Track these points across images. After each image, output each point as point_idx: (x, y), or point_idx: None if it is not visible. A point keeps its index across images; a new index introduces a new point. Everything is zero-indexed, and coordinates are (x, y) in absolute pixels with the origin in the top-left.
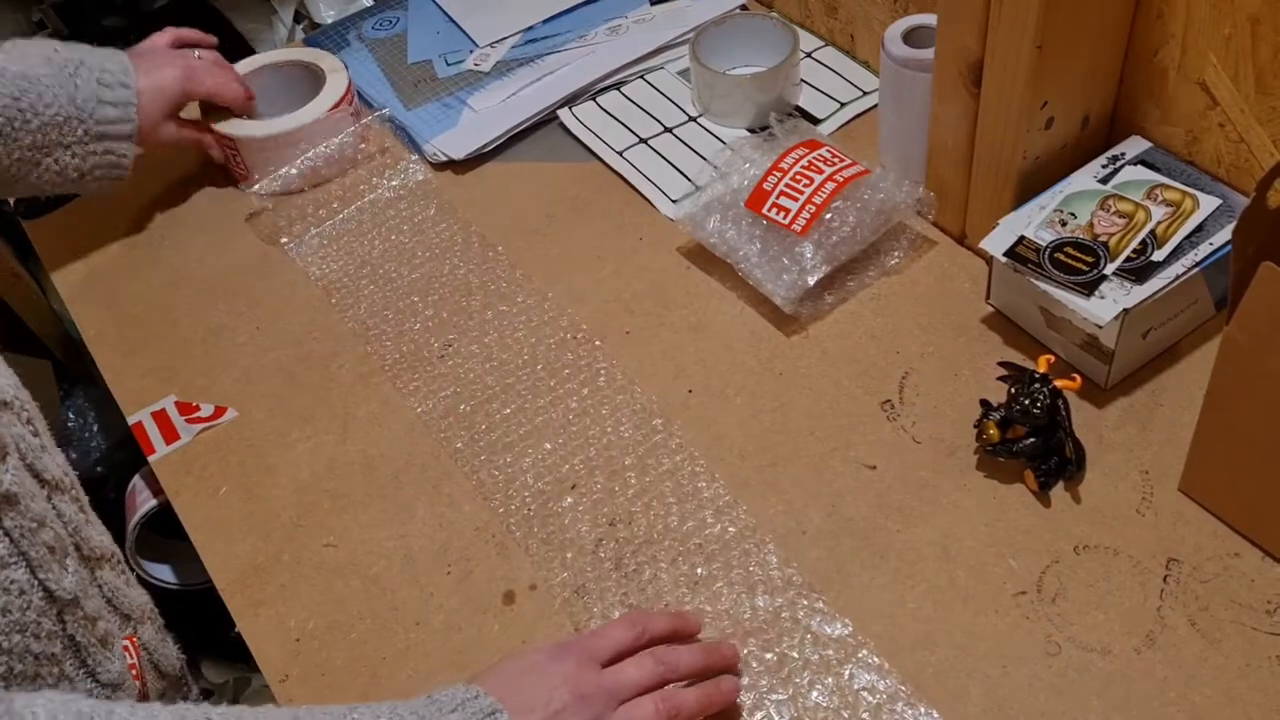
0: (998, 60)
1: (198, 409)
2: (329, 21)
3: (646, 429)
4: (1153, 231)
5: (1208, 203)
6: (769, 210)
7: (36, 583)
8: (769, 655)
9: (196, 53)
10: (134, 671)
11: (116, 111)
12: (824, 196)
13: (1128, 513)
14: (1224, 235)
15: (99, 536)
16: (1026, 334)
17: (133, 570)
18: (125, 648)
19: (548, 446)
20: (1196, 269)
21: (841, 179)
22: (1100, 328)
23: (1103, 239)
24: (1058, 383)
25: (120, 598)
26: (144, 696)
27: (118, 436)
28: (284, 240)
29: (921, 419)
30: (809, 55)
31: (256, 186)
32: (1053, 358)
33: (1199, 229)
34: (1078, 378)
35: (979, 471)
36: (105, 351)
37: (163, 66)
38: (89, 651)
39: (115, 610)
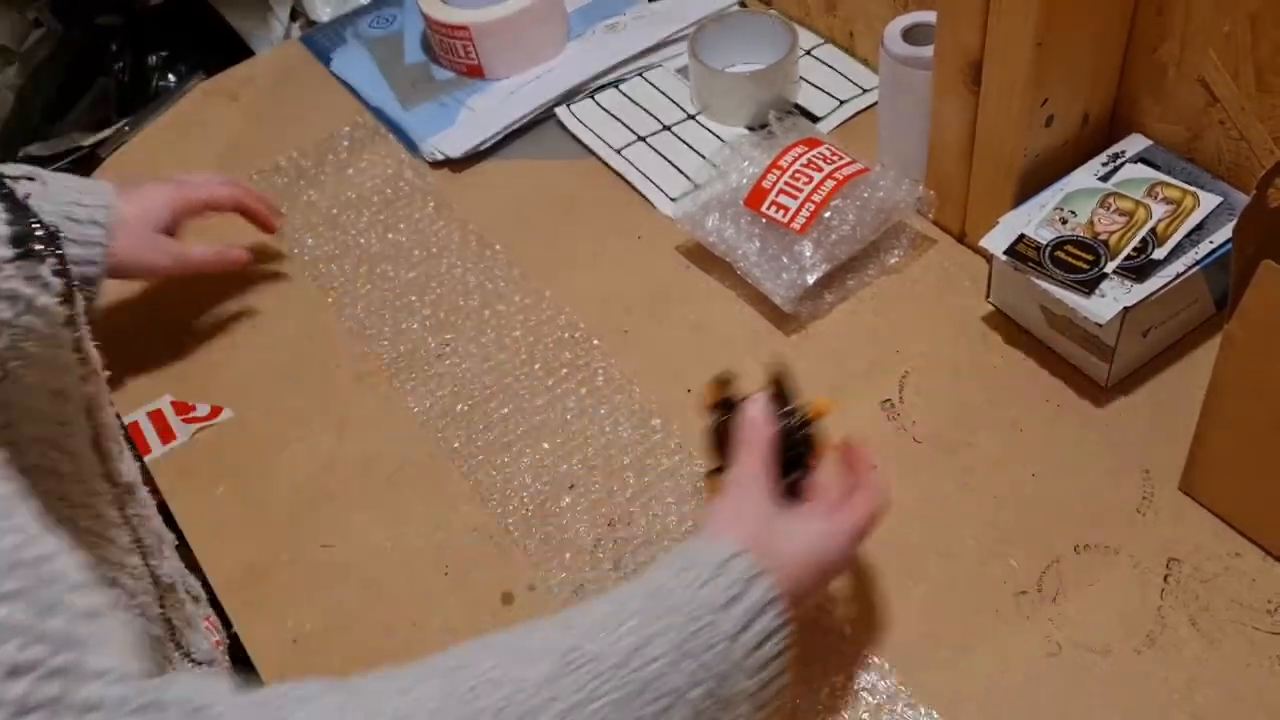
0: (997, 58)
1: (194, 409)
2: (325, 19)
3: (645, 428)
4: (1153, 229)
5: (1208, 201)
6: (768, 208)
7: (147, 569)
8: None
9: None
10: (219, 647)
11: (81, 251)
12: (823, 195)
13: (1128, 512)
14: (1224, 233)
15: (161, 527)
16: (1027, 333)
17: None
18: (206, 625)
19: (545, 446)
20: (1197, 267)
21: (841, 177)
22: (1100, 326)
23: (1103, 237)
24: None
25: (189, 581)
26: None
27: None
28: (281, 237)
29: (921, 418)
30: (808, 53)
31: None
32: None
33: (1199, 227)
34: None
35: (979, 470)
36: (101, 351)
37: (149, 191)
38: (183, 633)
39: (189, 593)
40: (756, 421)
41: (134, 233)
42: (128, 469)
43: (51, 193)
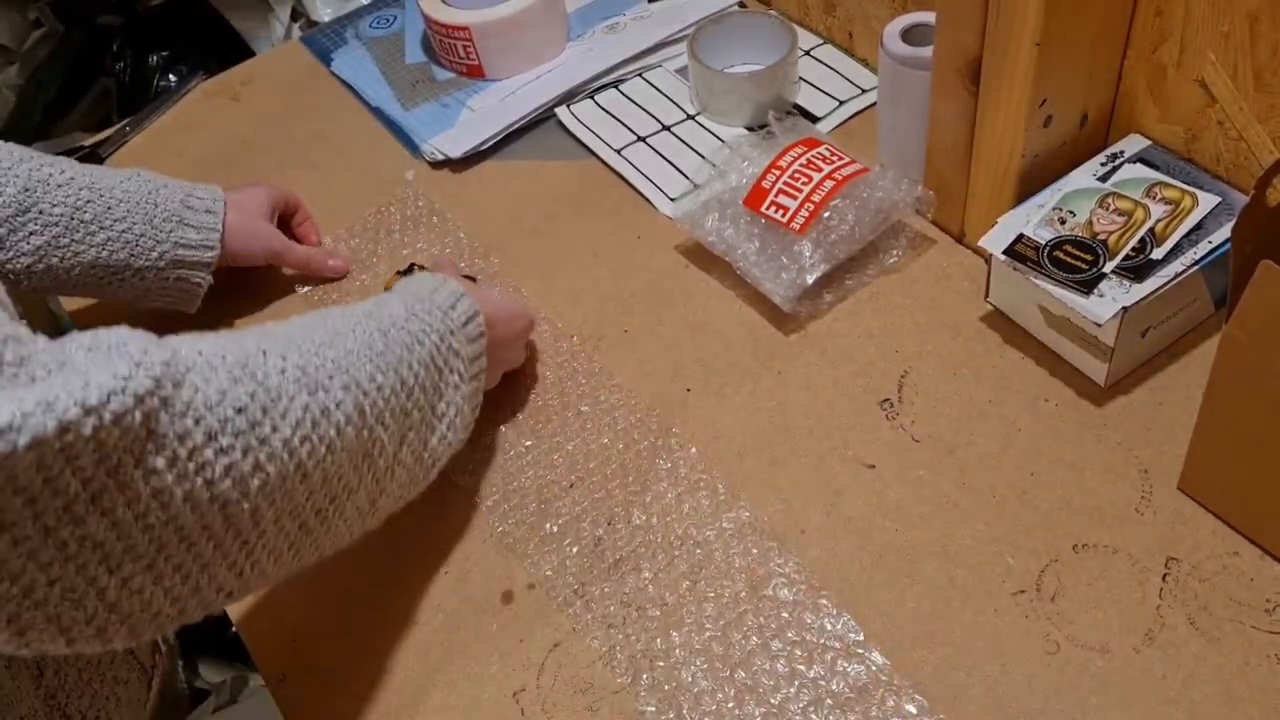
0: (996, 58)
1: None
2: (326, 19)
3: (644, 427)
4: (1152, 229)
5: (1207, 201)
6: (767, 208)
7: None
8: (770, 651)
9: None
10: None
11: (198, 236)
12: (823, 195)
13: (1127, 511)
14: (1223, 233)
15: None
16: (1025, 332)
17: None
18: None
19: (546, 445)
20: (1195, 267)
21: (840, 177)
22: (1099, 326)
23: (1101, 237)
24: None
25: None
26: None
27: None
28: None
29: (920, 418)
30: (807, 53)
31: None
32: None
33: (1198, 227)
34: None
35: (978, 470)
36: None
37: (249, 188)
38: None
39: None
40: (440, 260)
41: (238, 223)
42: None
43: (173, 183)
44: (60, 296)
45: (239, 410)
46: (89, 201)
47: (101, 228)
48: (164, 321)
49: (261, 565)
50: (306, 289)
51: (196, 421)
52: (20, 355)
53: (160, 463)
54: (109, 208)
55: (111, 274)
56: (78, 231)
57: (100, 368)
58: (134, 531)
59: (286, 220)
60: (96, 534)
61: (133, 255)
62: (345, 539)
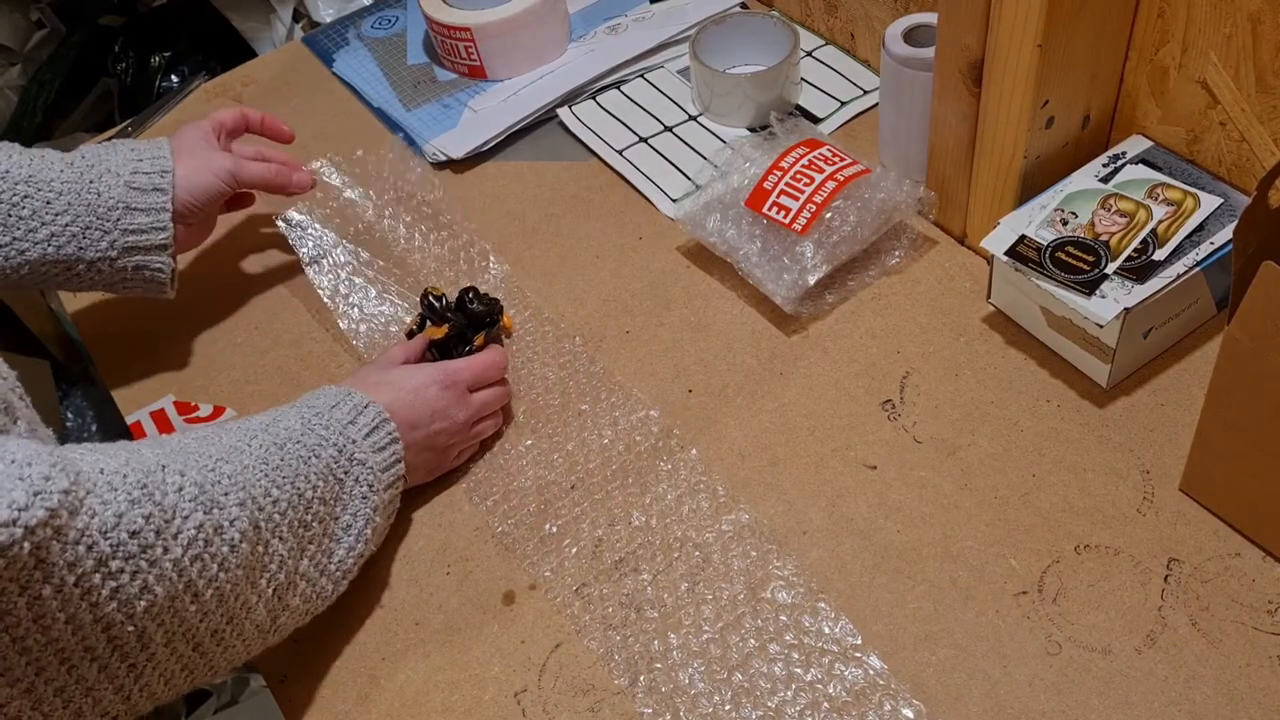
0: (998, 59)
1: (196, 409)
2: (328, 20)
3: (645, 428)
4: (1154, 231)
5: (1209, 202)
6: (769, 209)
7: None
8: (768, 653)
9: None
10: None
11: (147, 219)
12: (824, 196)
13: (1129, 512)
14: (1225, 234)
15: None
16: (1027, 333)
17: None
18: None
19: (546, 445)
20: (1197, 268)
21: (842, 178)
22: (1101, 327)
23: (1104, 238)
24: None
25: None
26: None
27: (116, 436)
28: (281, 227)
29: (922, 419)
30: (809, 54)
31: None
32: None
33: (1200, 228)
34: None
35: (980, 471)
36: (104, 351)
37: (187, 131)
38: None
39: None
40: (403, 340)
41: (186, 172)
42: None
43: (116, 163)
44: (40, 293)
45: (133, 534)
46: (26, 197)
47: (43, 223)
48: (153, 312)
49: (151, 688)
50: (303, 288)
51: (89, 548)
52: None
53: (46, 591)
54: (48, 201)
55: (64, 269)
56: (18, 229)
57: None
58: (10, 654)
59: (237, 138)
60: None
61: (81, 248)
62: (244, 656)
